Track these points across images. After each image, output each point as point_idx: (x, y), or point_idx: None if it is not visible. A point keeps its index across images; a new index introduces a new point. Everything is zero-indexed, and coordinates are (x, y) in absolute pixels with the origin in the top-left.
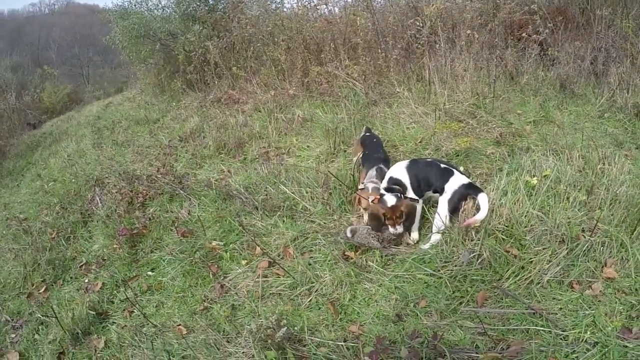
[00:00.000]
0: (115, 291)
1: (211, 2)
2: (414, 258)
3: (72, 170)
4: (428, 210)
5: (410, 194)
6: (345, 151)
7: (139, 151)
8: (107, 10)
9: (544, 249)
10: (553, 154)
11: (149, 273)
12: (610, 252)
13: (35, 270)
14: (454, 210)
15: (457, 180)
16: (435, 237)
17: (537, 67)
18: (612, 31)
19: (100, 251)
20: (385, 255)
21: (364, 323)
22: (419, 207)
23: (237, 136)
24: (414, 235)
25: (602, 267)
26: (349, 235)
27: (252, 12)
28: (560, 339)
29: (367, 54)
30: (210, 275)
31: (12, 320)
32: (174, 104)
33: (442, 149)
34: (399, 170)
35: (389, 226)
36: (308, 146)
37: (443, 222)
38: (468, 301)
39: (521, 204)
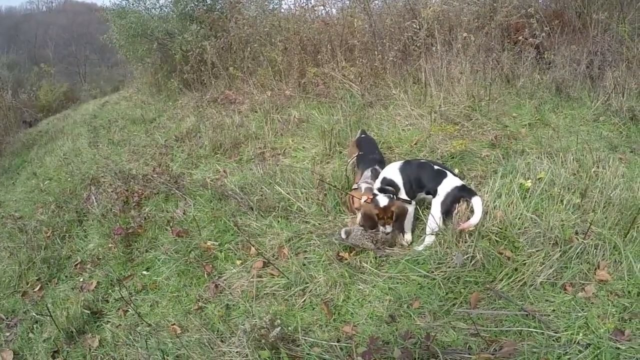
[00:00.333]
0: (110, 290)
1: (209, 2)
2: (407, 259)
3: (67, 169)
4: (422, 212)
5: (403, 195)
6: (340, 152)
7: (135, 150)
8: (105, 8)
9: (537, 251)
10: (548, 157)
11: (144, 272)
12: (604, 254)
13: (30, 269)
14: (446, 212)
15: (450, 183)
16: (429, 239)
17: (533, 71)
18: (608, 35)
19: (96, 250)
20: (379, 257)
21: (358, 323)
22: (411, 208)
23: (233, 136)
24: (408, 236)
25: (595, 269)
26: (343, 236)
27: (249, 13)
28: (553, 340)
29: (363, 56)
30: (205, 275)
31: (7, 318)
32: (171, 103)
33: (437, 151)
34: (392, 171)
35: (379, 225)
36: (304, 147)
37: (437, 223)
38: (461, 302)
39: (515, 207)
